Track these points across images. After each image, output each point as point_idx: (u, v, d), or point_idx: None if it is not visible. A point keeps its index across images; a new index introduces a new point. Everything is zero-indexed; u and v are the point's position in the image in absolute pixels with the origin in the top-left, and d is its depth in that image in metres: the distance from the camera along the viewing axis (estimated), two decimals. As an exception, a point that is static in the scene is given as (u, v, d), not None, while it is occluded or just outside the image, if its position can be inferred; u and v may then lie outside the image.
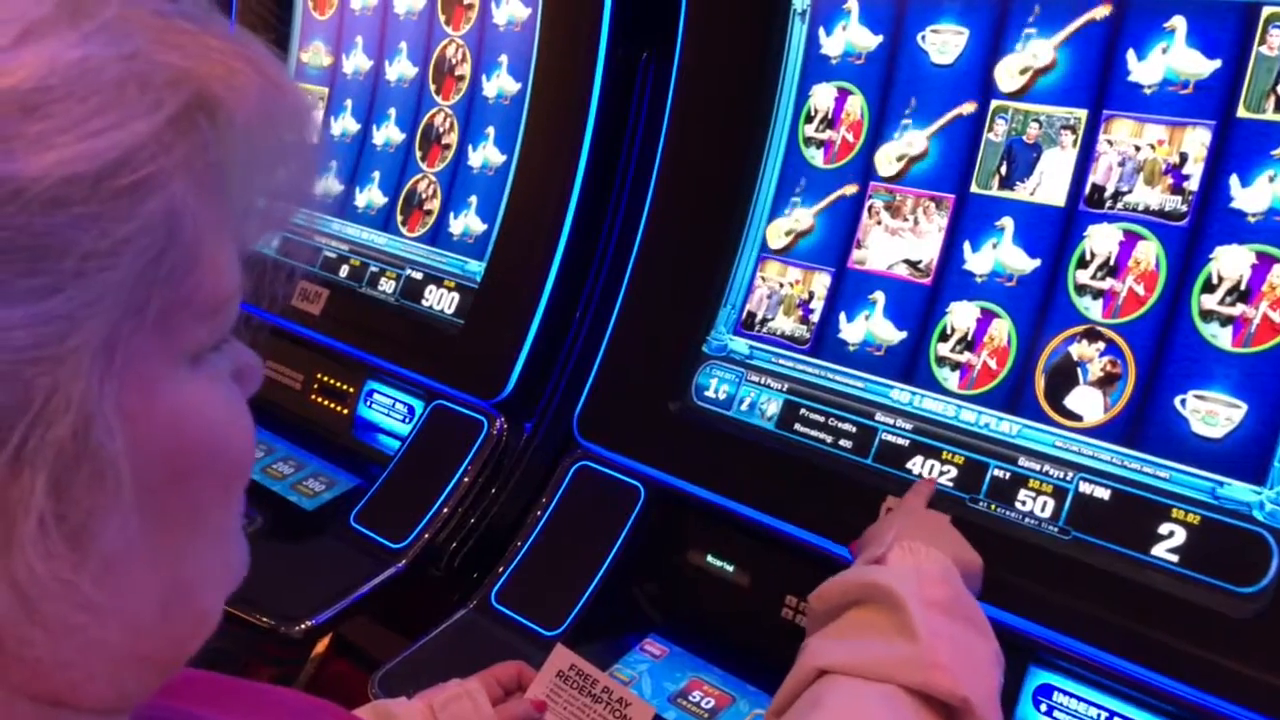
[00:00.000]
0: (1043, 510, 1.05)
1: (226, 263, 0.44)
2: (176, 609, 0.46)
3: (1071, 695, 1.01)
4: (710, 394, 1.31)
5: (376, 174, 1.78)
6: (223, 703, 0.62)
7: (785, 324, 1.28)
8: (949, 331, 1.16)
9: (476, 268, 1.59)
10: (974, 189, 1.16)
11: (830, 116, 1.28)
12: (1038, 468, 1.07)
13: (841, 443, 1.19)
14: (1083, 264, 1.08)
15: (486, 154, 1.63)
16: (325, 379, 1.70)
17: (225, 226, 0.44)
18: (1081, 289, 1.08)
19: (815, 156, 1.29)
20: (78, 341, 0.37)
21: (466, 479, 1.42)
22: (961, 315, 1.15)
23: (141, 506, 0.40)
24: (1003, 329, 1.12)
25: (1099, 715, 0.99)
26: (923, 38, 1.20)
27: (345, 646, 1.64)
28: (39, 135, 0.35)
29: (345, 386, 1.67)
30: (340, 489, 1.55)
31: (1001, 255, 1.13)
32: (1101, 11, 1.07)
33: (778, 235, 1.30)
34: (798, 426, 1.23)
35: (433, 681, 1.02)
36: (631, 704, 1.05)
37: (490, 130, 1.63)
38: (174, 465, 0.42)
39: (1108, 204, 1.07)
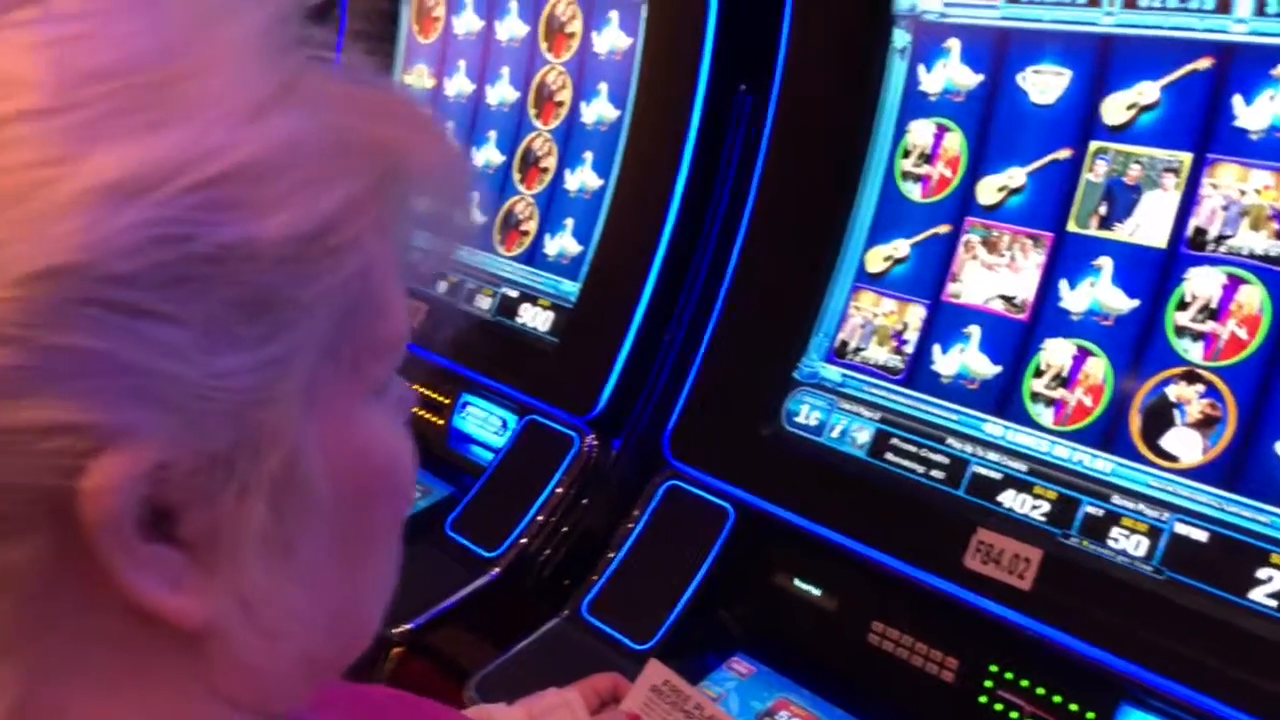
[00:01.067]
0: (1136, 549, 1.06)
1: (401, 305, 0.49)
2: (349, 618, 0.51)
3: (1162, 734, 1.02)
4: (801, 420, 1.34)
5: (476, 194, 1.84)
6: (330, 705, 0.67)
7: (879, 354, 1.30)
8: (1044, 368, 1.17)
9: (570, 288, 1.64)
10: (1071, 228, 1.18)
11: (928, 152, 1.30)
12: (1132, 506, 1.08)
13: (933, 473, 1.21)
14: (1182, 306, 1.09)
15: (583, 178, 1.68)
16: (423, 390, 1.76)
17: (401, 273, 0.48)
18: (1181, 331, 1.09)
19: (912, 191, 1.31)
20: (287, 384, 0.41)
21: (558, 491, 1.47)
22: (1057, 352, 1.17)
23: (335, 525, 0.45)
24: (1099, 367, 1.14)
25: (1190, 755, 1.00)
26: (1023, 78, 1.23)
27: (422, 648, 1.69)
28: (267, 202, 0.39)
29: (442, 398, 1.73)
30: (435, 497, 1.61)
31: (1099, 294, 1.15)
32: (1205, 63, 1.09)
33: (876, 261, 1.32)
34: (889, 455, 1.25)
35: (525, 688, 1.06)
36: (720, 719, 1.08)
37: (588, 155, 1.68)
38: (361, 488, 0.47)
39: (1210, 247, 1.08)
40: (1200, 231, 1.09)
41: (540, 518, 1.45)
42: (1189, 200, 1.10)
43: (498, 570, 1.41)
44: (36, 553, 0.38)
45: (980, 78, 1.27)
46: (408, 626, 1.33)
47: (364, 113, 0.45)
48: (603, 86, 1.68)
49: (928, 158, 1.31)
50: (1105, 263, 1.15)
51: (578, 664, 1.17)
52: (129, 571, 0.38)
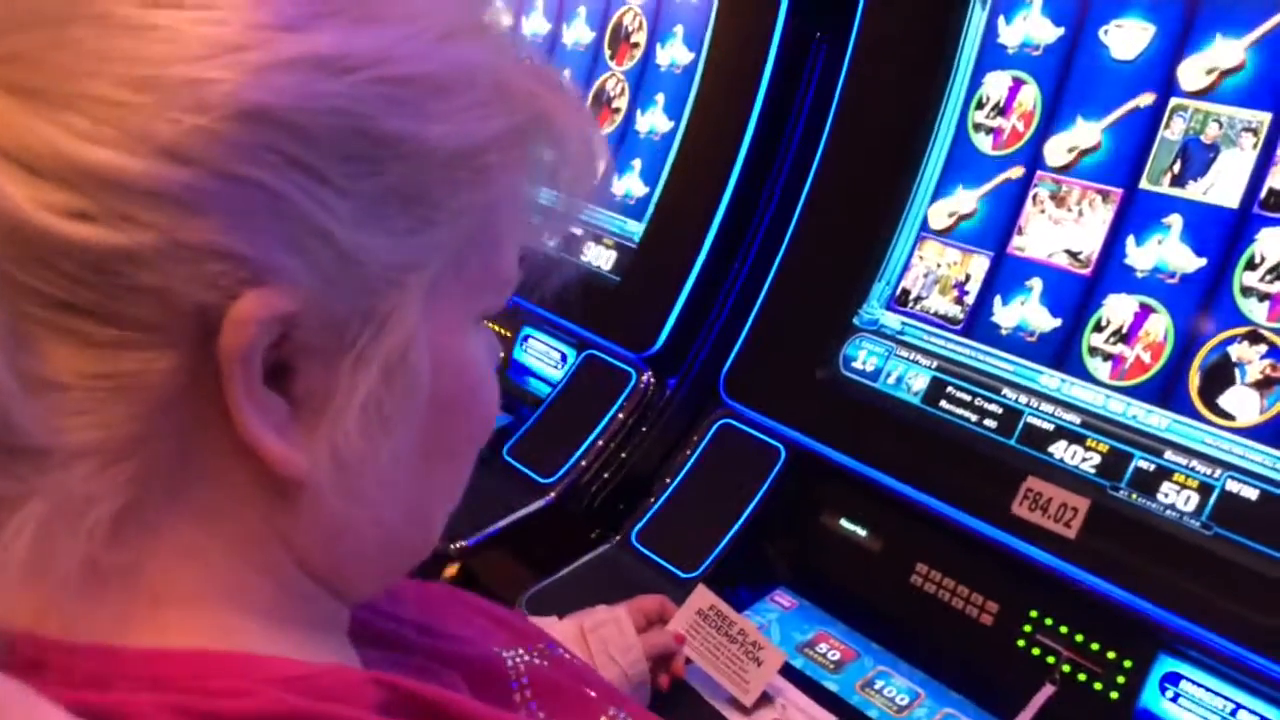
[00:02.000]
0: (1186, 504, 1.07)
1: (515, 252, 0.54)
2: (421, 520, 0.55)
3: (1200, 685, 1.03)
4: (858, 365, 1.35)
5: (603, 167, 1.86)
6: (401, 595, 0.71)
7: (939, 303, 1.32)
8: (1104, 323, 1.18)
9: (635, 228, 1.66)
10: (1144, 185, 1.18)
11: (1002, 105, 1.30)
12: (1184, 462, 1.09)
13: (986, 422, 1.23)
14: (1251, 266, 1.09)
15: (654, 120, 1.70)
16: (486, 322, 1.80)
17: (522, 222, 0.54)
18: (1247, 291, 1.09)
19: (983, 143, 1.32)
20: (418, 276, 0.46)
21: (613, 424, 1.51)
22: (1118, 308, 1.17)
23: (427, 420, 0.49)
24: (1160, 324, 1.14)
25: (1225, 706, 1.01)
26: (1105, 32, 1.22)
27: (475, 565, 1.75)
28: (441, 112, 0.45)
29: (504, 331, 1.77)
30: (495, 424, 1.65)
31: (1166, 252, 1.15)
32: (1297, 15, 1.07)
33: (940, 216, 1.33)
34: (943, 403, 1.27)
35: (572, 608, 1.11)
36: (765, 648, 1.11)
37: (660, 97, 1.70)
38: (453, 396, 0.51)
39: (1283, 208, 1.08)
40: (1274, 193, 1.08)
41: (595, 448, 1.49)
42: (1265, 161, 1.09)
43: (552, 495, 1.45)
44: (173, 368, 0.41)
45: (1060, 31, 1.26)
46: (463, 543, 1.37)
47: (526, 70, 0.51)
48: (679, 29, 1.69)
49: (1001, 110, 1.31)
50: (1175, 220, 1.15)
51: (624, 588, 1.21)
52: (247, 407, 0.42)
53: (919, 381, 1.30)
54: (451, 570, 1.74)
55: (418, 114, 0.44)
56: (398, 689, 0.48)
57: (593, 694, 0.71)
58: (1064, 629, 1.13)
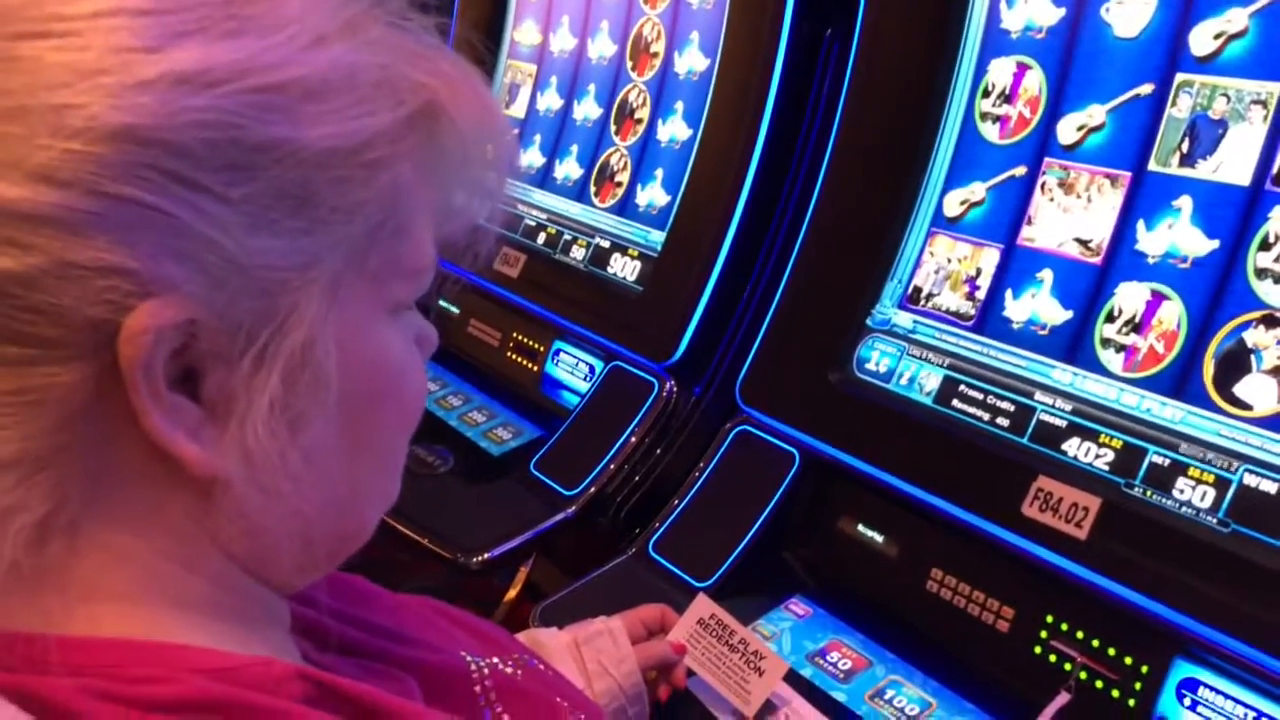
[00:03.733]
0: (1202, 500, 1.02)
1: (428, 239, 0.55)
2: (347, 511, 0.56)
3: (1219, 692, 0.98)
4: (871, 366, 1.32)
5: (575, 147, 1.88)
6: (376, 606, 0.73)
7: (951, 300, 1.28)
8: (1116, 313, 1.13)
9: (658, 238, 1.66)
10: (1152, 166, 1.12)
11: (1008, 91, 1.26)
12: (1200, 456, 1.03)
13: (999, 420, 1.19)
14: (1265, 246, 1.03)
15: (674, 129, 1.70)
16: (519, 337, 1.83)
17: (431, 210, 0.55)
18: (1262, 273, 1.03)
19: (991, 132, 1.27)
20: (315, 275, 0.48)
21: (635, 436, 1.51)
22: (1130, 296, 1.12)
23: (340, 414, 0.51)
24: (1173, 312, 1.08)
25: (1246, 715, 0.96)
26: (1106, 9, 1.17)
27: (537, 594, 1.77)
28: (317, 114, 0.46)
29: (536, 345, 1.80)
30: (525, 438, 1.68)
31: (1177, 236, 1.09)
32: (1298, -21, 1.01)
33: (953, 204, 1.29)
34: (955, 402, 1.23)
35: (586, 618, 1.11)
36: (766, 657, 1.10)
37: (679, 105, 1.70)
38: (370, 390, 0.53)
39: (1297, 183, 1.01)
40: (1287, 167, 1.02)
41: (618, 461, 1.49)
42: (1276, 134, 1.03)
43: (574, 508, 1.46)
44: (79, 380, 0.44)
45: (1062, 12, 1.21)
46: (485, 556, 1.39)
47: (413, 61, 0.52)
48: (695, 36, 1.68)
49: (1007, 97, 1.26)
50: (1185, 202, 1.09)
51: (640, 598, 1.21)
52: (154, 413, 0.45)
53: (931, 381, 1.26)
54: (512, 593, 1.78)
55: (292, 119, 0.45)
56: (323, 684, 0.49)
57: (564, 703, 0.72)
58: (1080, 634, 1.08)
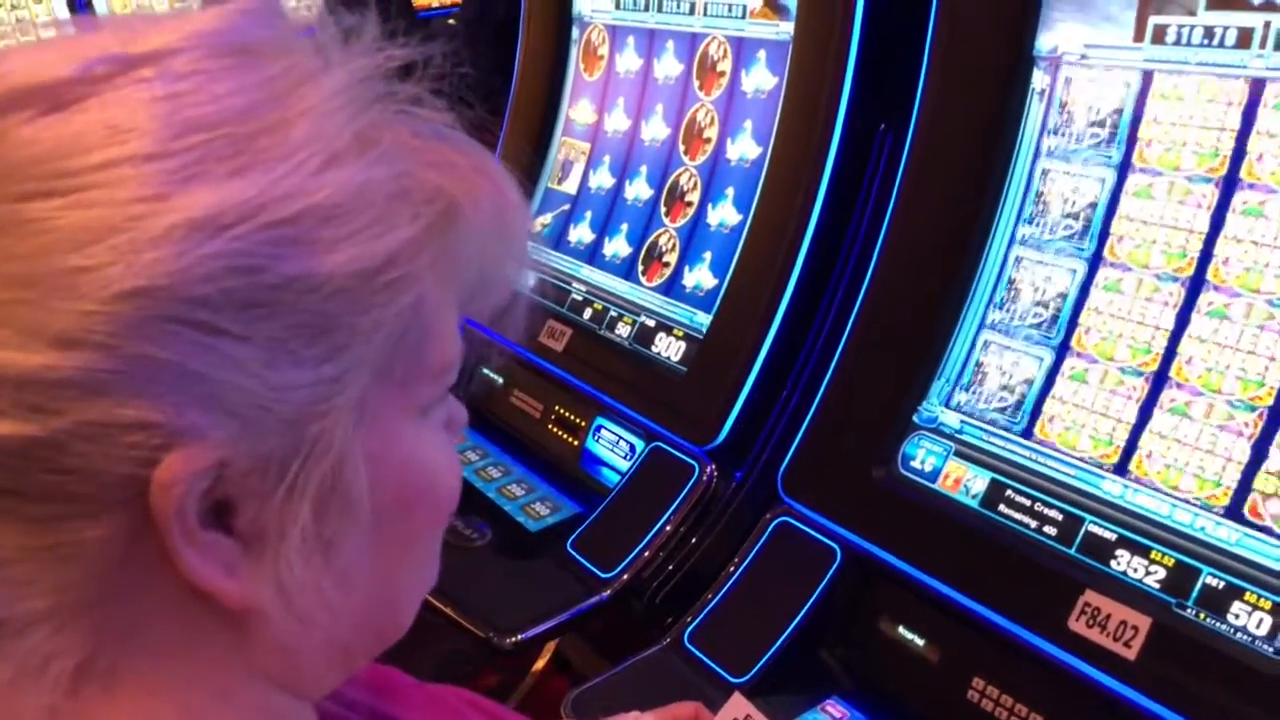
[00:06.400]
0: (1258, 627, 0.99)
1: (452, 333, 0.54)
2: (384, 613, 0.56)
3: (1269, 829, 0.94)
4: (916, 464, 1.31)
5: (625, 226, 1.90)
6: (409, 703, 0.72)
7: (997, 402, 1.27)
8: (1170, 426, 1.11)
9: (704, 319, 1.67)
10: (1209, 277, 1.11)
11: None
12: (1257, 580, 1.00)
13: (1046, 529, 1.17)
14: (1325, 369, 1.01)
15: (724, 213, 1.71)
16: (561, 411, 1.83)
17: (453, 306, 0.54)
18: (1322, 395, 1.01)
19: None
20: (340, 400, 0.47)
21: (673, 521, 1.50)
22: (1185, 411, 1.10)
23: (375, 529, 0.50)
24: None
25: None
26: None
27: (564, 664, 1.75)
28: (333, 241, 0.45)
29: (578, 420, 1.80)
30: (563, 514, 1.67)
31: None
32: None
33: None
34: (1002, 508, 1.21)
35: (619, 709, 1.09)
36: (801, 760, 1.08)
37: (730, 191, 1.71)
38: (403, 498, 0.52)
39: (1360, 307, 1.00)
40: None
41: (651, 548, 1.48)
42: None
43: (608, 592, 1.45)
44: (111, 533, 0.44)
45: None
46: (519, 637, 1.38)
47: (428, 162, 0.51)
48: (748, 124, 1.71)
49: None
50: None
51: (674, 691, 1.20)
52: (189, 555, 0.45)
53: (978, 484, 1.25)
54: (540, 663, 1.76)
55: (309, 249, 0.44)
56: None
57: None
58: (1127, 757, 1.05)
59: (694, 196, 1.78)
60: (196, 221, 0.42)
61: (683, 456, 1.56)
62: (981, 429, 1.27)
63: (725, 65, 1.76)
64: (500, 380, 1.96)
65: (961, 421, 1.29)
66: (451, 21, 2.87)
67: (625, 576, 1.46)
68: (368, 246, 0.46)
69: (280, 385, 0.45)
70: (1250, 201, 1.08)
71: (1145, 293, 1.16)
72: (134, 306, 0.41)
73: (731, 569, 1.39)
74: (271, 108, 0.46)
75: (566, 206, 2.03)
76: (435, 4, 2.94)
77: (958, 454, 1.28)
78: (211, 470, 0.44)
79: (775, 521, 1.40)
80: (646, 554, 1.48)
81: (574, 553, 1.53)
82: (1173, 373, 1.12)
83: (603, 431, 1.75)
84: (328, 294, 0.45)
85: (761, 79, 1.68)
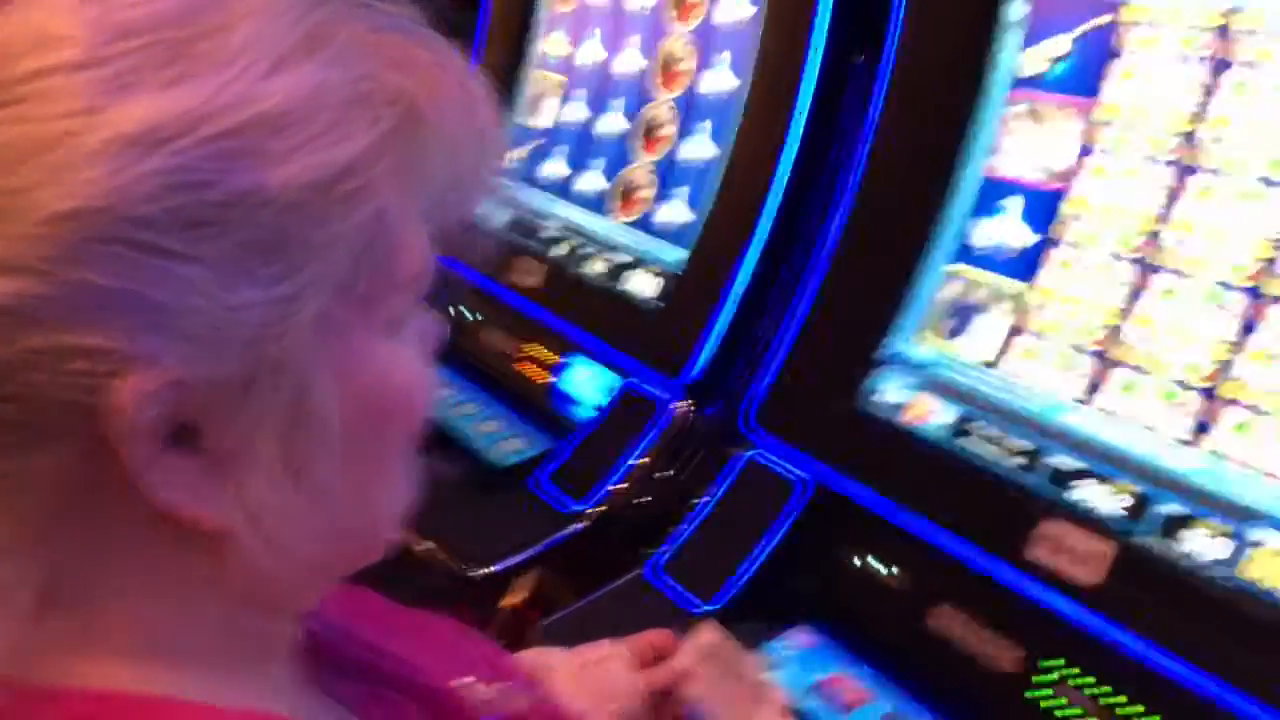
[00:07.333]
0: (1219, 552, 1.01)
1: (420, 243, 0.51)
2: (359, 532, 0.55)
3: (1224, 746, 0.97)
4: (886, 398, 1.32)
5: (599, 161, 1.88)
6: (394, 625, 0.72)
7: (970, 334, 1.27)
8: (1137, 358, 1.12)
9: (678, 255, 1.66)
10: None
11: (1037, 129, 1.26)
12: (1209, 506, 1.02)
13: (1011, 460, 1.18)
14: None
15: (700, 147, 1.70)
16: (533, 347, 1.82)
17: (420, 214, 0.50)
18: (1287, 326, 1.02)
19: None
20: (300, 318, 0.44)
21: (647, 453, 1.51)
22: (1153, 342, 1.11)
23: (346, 448, 0.48)
24: (1195, 360, 1.08)
25: (1251, 772, 0.95)
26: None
27: (540, 599, 1.77)
28: (285, 151, 0.42)
29: (550, 356, 1.79)
30: (535, 450, 1.67)
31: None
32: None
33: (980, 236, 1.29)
34: (971, 438, 1.23)
35: (592, 637, 1.10)
36: (770, 687, 1.09)
37: (706, 124, 1.70)
38: (373, 415, 0.50)
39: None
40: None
41: (626, 479, 1.49)
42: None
43: (583, 523, 1.46)
44: (65, 461, 0.42)
45: (1096, 52, 1.21)
46: (491, 569, 1.39)
47: (387, 61, 0.47)
48: (725, 56, 1.68)
49: (1036, 135, 1.26)
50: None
51: (645, 619, 1.20)
52: (150, 477, 0.43)
53: (947, 416, 1.26)
54: (510, 600, 1.77)
55: (257, 161, 0.41)
56: None
57: None
58: (1089, 680, 1.07)
59: (669, 130, 1.76)
60: (133, 136, 0.39)
61: (655, 391, 1.56)
62: (950, 363, 1.28)
63: (701, -4, 1.73)
64: (471, 317, 1.95)
65: (930, 355, 1.30)
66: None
67: (598, 509, 1.46)
68: (322, 155, 0.43)
69: (235, 305, 0.42)
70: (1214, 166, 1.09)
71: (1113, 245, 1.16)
72: (69, 230, 0.39)
73: (703, 501, 1.40)
74: (212, 8, 0.43)
75: (539, 141, 2.00)
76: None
77: (926, 387, 1.29)
78: (165, 394, 0.42)
79: (747, 455, 1.40)
80: (620, 486, 1.49)
81: (547, 485, 1.53)
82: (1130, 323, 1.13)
83: (575, 367, 1.75)
84: (280, 209, 0.42)
85: (739, 9, 1.66)
